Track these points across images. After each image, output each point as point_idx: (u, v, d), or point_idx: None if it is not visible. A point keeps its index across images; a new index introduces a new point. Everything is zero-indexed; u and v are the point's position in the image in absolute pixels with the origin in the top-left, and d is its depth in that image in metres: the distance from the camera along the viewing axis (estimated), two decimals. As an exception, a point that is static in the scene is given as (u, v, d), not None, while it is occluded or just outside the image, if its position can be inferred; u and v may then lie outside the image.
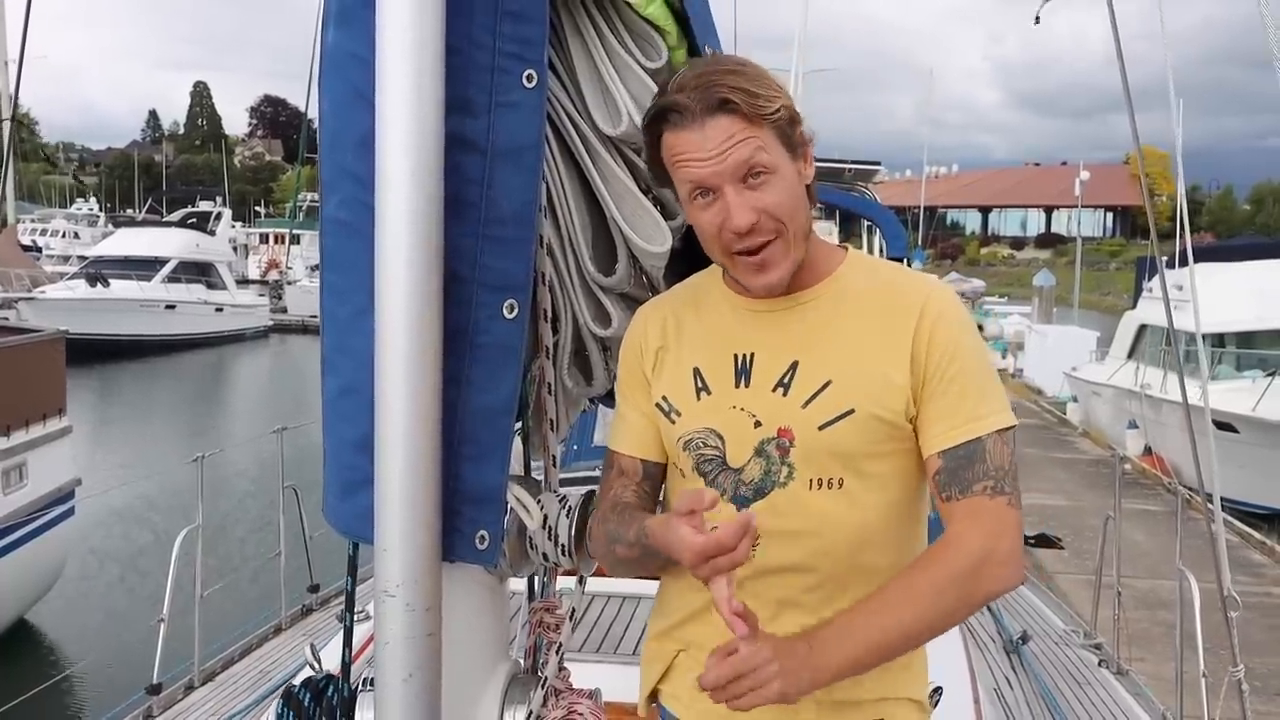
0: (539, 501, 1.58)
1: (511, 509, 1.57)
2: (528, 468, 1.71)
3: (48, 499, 8.45)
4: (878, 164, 9.04)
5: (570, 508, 1.58)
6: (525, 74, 1.45)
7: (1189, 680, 4.62)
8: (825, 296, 1.61)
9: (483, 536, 1.50)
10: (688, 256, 1.80)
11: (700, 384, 1.63)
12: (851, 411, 1.53)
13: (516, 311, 1.48)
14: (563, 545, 1.58)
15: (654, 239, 1.61)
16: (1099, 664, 5.40)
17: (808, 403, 1.54)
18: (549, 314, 1.60)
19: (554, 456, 1.69)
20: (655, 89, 1.58)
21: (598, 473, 3.79)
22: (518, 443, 1.65)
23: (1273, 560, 10.57)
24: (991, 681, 3.92)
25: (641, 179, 1.64)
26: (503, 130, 1.45)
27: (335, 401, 1.54)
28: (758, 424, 1.57)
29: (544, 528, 1.57)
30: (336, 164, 1.50)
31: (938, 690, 2.43)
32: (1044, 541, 10.15)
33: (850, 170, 7.85)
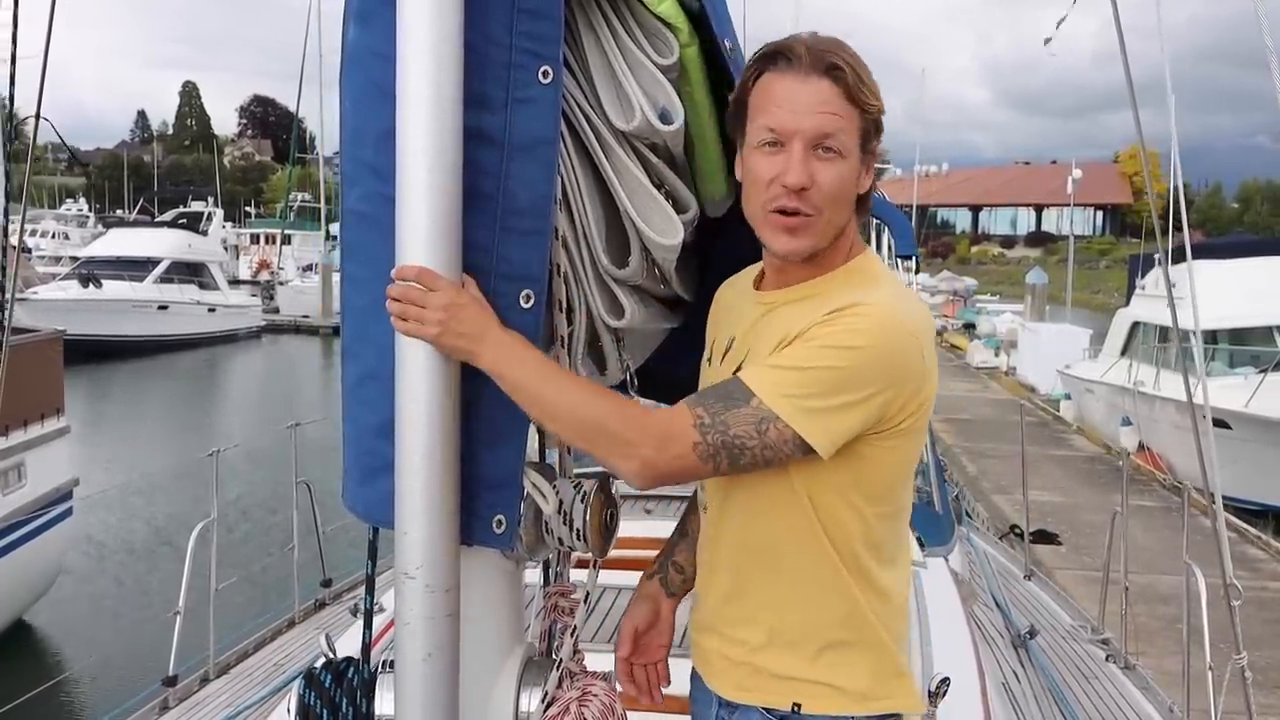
0: (555, 487, 1.62)
1: (528, 494, 1.60)
2: (543, 455, 1.75)
3: (46, 499, 8.44)
4: (886, 163, 9.06)
5: (585, 493, 1.61)
6: (541, 70, 1.49)
7: (1194, 673, 4.65)
8: (806, 298, 1.61)
9: (500, 521, 1.55)
10: (700, 250, 1.84)
11: (710, 354, 1.75)
12: None
13: (533, 302, 1.52)
14: (578, 530, 1.61)
15: (666, 232, 1.65)
16: (1106, 659, 5.43)
17: None
18: (564, 305, 1.63)
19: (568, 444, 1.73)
20: (668, 85, 1.62)
21: (610, 468, 3.82)
22: (533, 431, 1.69)
23: (1269, 555, 10.66)
24: (999, 675, 3.96)
25: (654, 173, 1.67)
26: (520, 125, 1.49)
27: (355, 388, 1.58)
28: None
29: (559, 513, 1.61)
30: (357, 158, 1.54)
31: (945, 681, 2.46)
32: (1043, 537, 10.24)
33: None
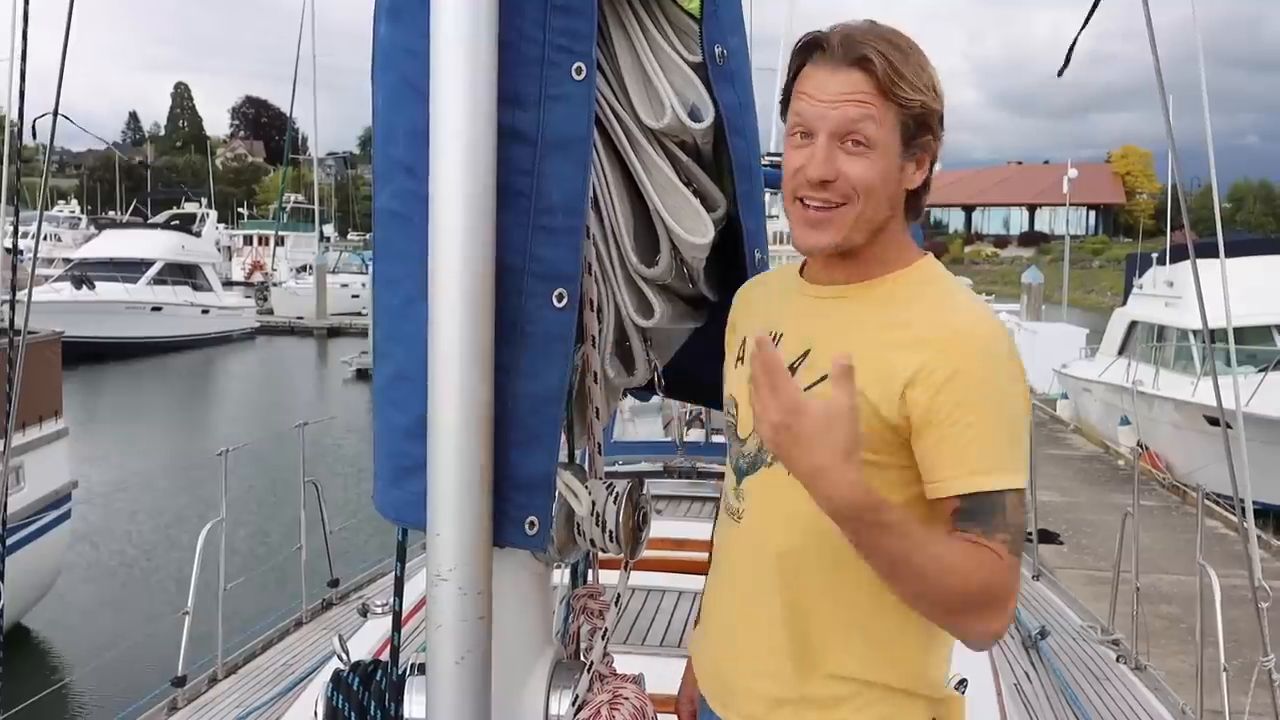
0: (587, 488, 1.61)
1: (559, 495, 1.59)
2: (571, 455, 1.73)
3: (44, 502, 8.40)
4: None
5: (618, 494, 1.60)
6: (574, 67, 1.48)
7: (1205, 673, 4.65)
8: (871, 298, 1.56)
9: (532, 522, 1.53)
10: (726, 250, 1.82)
11: (741, 354, 1.68)
12: None
13: (566, 300, 1.50)
14: (610, 531, 1.60)
15: (696, 231, 1.63)
16: (1117, 659, 5.43)
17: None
18: (595, 304, 1.62)
19: (599, 444, 1.72)
20: (698, 82, 1.61)
21: (618, 467, 3.83)
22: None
23: (1270, 554, 10.67)
24: (1012, 676, 3.96)
25: (683, 171, 1.66)
26: (553, 122, 1.48)
27: (386, 388, 1.56)
28: None
29: (592, 514, 1.60)
30: (389, 156, 1.53)
31: (963, 682, 2.46)
32: (1043, 537, 10.27)
33: None
